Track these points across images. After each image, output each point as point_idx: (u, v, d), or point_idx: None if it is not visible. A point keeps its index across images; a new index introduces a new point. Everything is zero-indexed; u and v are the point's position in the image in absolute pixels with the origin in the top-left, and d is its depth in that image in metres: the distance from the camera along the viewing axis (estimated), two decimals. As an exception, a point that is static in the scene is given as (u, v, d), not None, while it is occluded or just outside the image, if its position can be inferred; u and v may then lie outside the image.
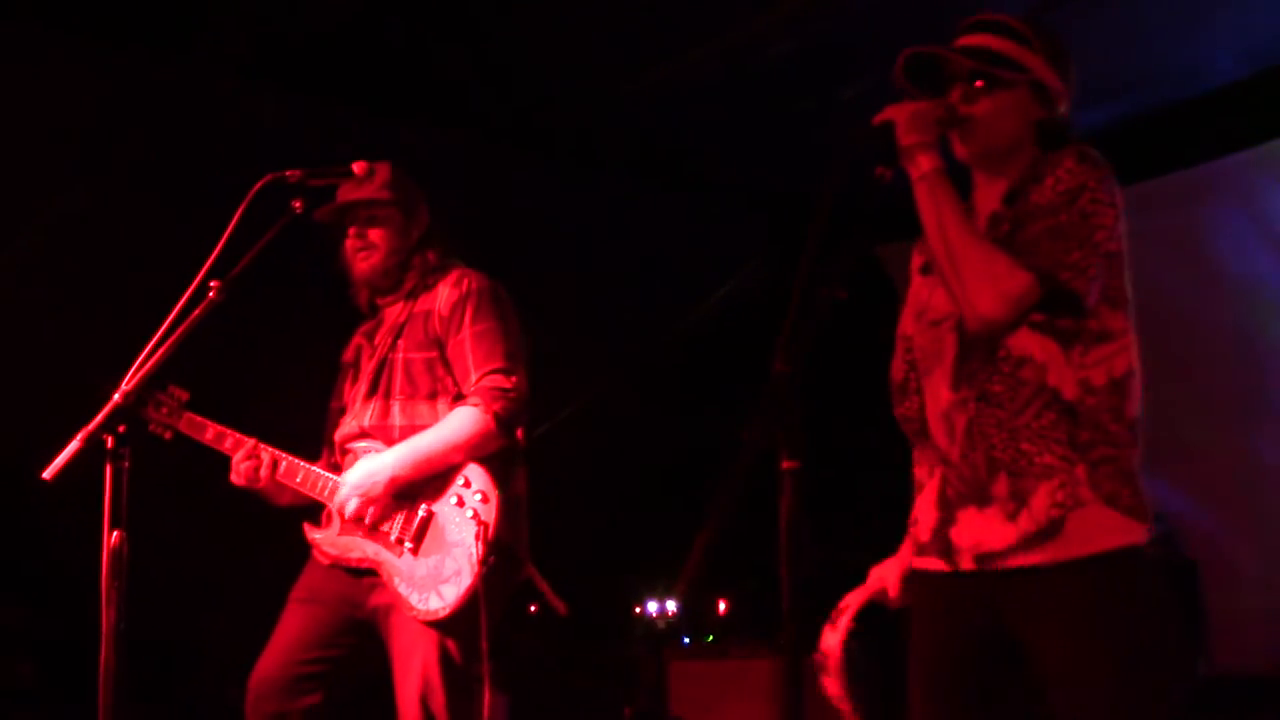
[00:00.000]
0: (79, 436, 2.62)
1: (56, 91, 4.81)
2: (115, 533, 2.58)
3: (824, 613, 2.64)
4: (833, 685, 2.59)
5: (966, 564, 2.38)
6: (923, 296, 2.57)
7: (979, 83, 2.44)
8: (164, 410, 3.37)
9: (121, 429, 2.63)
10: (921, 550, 2.49)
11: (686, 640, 6.55)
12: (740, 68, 5.58)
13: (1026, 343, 2.35)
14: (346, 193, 3.51)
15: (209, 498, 3.84)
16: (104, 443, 2.61)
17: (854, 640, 2.60)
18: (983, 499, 2.37)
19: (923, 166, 2.35)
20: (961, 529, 2.39)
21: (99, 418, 2.63)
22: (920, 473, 2.56)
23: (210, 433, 3.46)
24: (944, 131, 2.42)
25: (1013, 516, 2.32)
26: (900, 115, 2.36)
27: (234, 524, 4.27)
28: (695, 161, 6.59)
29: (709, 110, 6.01)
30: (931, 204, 2.35)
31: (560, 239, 6.34)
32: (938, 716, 2.45)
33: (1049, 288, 2.29)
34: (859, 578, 2.74)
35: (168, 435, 3.41)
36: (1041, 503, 2.30)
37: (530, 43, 5.35)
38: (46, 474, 2.62)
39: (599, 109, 5.92)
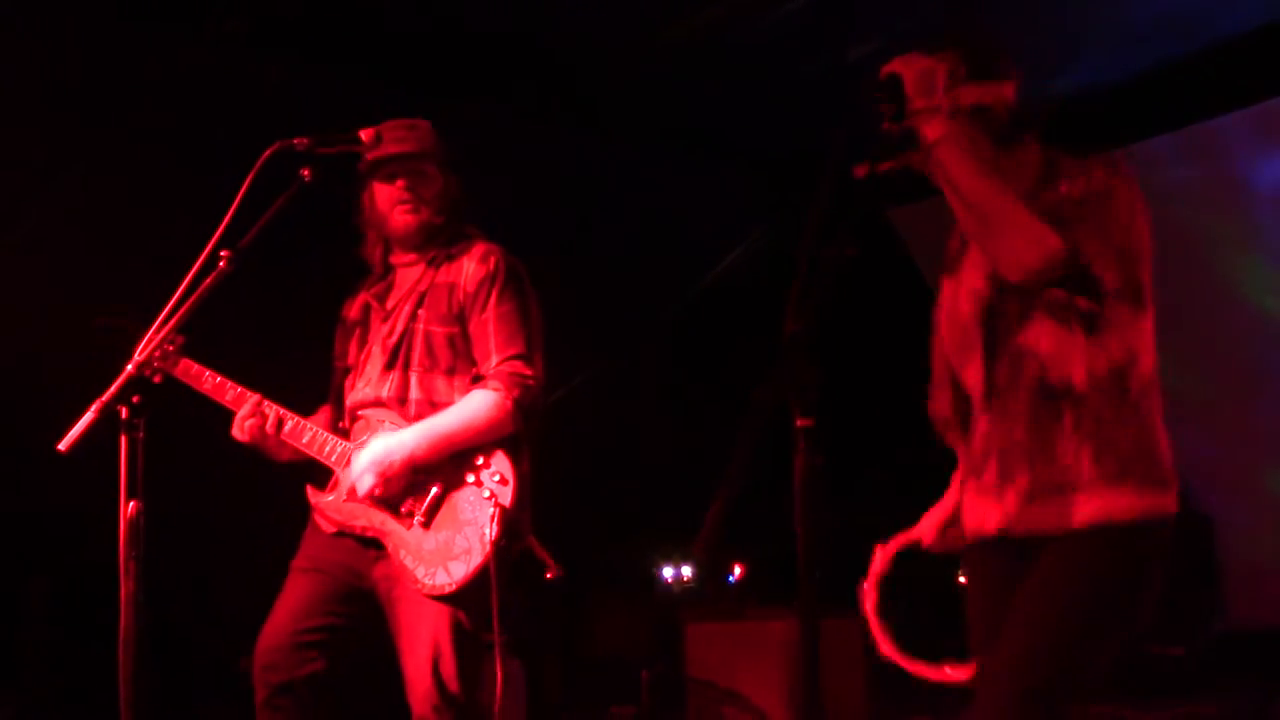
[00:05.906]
0: (93, 408, 2.63)
1: (64, 61, 4.81)
2: (132, 503, 2.59)
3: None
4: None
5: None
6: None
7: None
8: (157, 353, 3.30)
9: (135, 399, 2.64)
10: None
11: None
12: (748, 30, 5.55)
13: (1036, 334, 2.39)
14: (397, 145, 3.41)
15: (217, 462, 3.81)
16: (118, 413, 2.61)
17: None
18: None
19: (936, 132, 2.30)
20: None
21: (113, 388, 2.64)
22: None
23: (209, 382, 3.40)
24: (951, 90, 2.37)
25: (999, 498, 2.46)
26: (908, 71, 2.32)
27: (241, 489, 4.26)
28: (703, 125, 6.55)
29: (716, 73, 5.97)
30: (955, 167, 2.30)
31: (566, 205, 6.31)
32: None
33: (1072, 268, 2.30)
34: (876, 537, 2.80)
35: (157, 379, 3.18)
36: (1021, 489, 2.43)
37: (535, 8, 5.31)
38: (62, 446, 2.63)
39: (605, 72, 5.89)
